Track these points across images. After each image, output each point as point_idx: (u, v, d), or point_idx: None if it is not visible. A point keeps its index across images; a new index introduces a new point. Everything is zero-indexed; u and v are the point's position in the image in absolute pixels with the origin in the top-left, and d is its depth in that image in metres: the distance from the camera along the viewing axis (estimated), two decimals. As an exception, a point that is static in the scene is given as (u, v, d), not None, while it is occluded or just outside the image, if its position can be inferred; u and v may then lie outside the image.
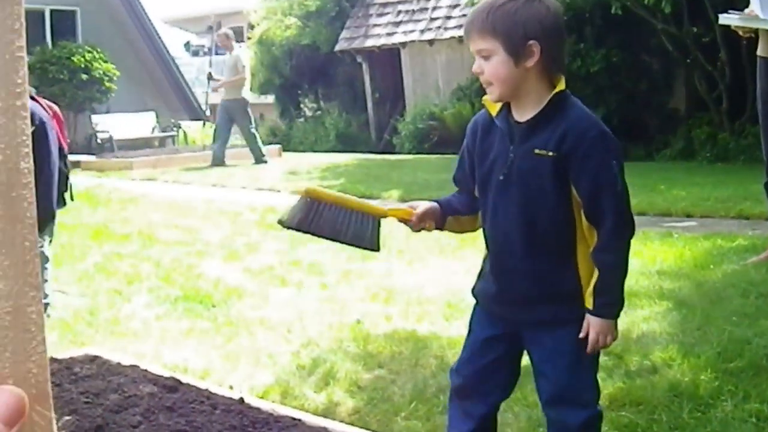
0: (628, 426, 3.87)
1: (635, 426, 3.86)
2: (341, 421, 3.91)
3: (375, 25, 20.20)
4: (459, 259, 7.47)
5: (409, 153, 18.09)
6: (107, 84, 19.68)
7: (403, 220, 2.99)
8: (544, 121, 2.75)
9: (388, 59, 20.00)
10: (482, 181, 2.92)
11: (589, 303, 2.77)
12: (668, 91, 15.89)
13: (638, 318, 5.44)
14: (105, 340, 5.63)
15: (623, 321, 5.36)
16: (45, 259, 6.32)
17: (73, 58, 19.27)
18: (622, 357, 4.72)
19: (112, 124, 19.44)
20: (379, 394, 4.41)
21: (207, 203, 11.66)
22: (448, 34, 18.71)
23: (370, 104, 20.53)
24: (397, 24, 19.81)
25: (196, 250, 8.46)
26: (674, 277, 6.57)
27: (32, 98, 6.12)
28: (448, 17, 18.92)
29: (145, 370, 4.01)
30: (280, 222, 2.94)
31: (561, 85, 2.77)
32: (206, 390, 3.76)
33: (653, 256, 7.22)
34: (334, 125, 21.20)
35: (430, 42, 19.02)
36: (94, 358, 4.20)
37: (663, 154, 14.92)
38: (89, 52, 19.65)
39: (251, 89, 24.54)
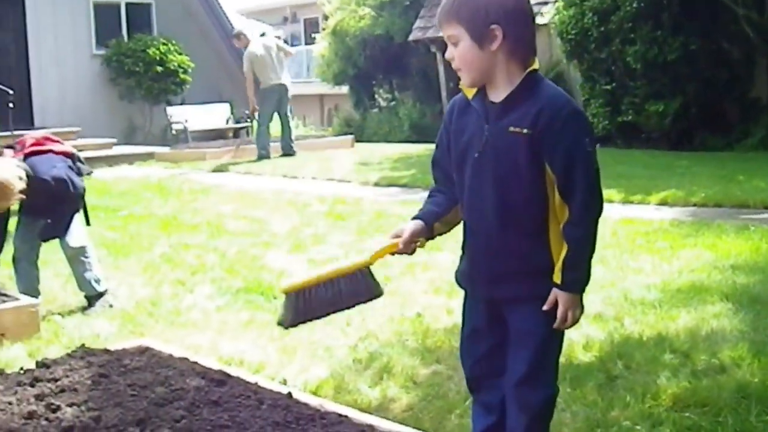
0: (691, 428, 3.70)
1: (699, 428, 3.69)
2: (393, 418, 3.81)
3: (449, 15, 20.01)
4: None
5: (483, 143, 17.89)
6: (182, 76, 19.82)
7: (393, 253, 3.02)
8: (517, 100, 2.82)
9: (463, 49, 19.83)
10: (458, 160, 2.97)
11: (557, 278, 2.81)
12: (749, 80, 15.42)
13: (708, 314, 5.24)
14: (164, 331, 5.61)
15: (692, 317, 5.19)
16: (81, 250, 6.34)
17: (148, 50, 19.44)
18: (689, 355, 4.54)
19: (186, 116, 19.57)
20: (434, 390, 4.29)
21: (277, 194, 11.64)
22: (523, 23, 18.49)
23: (444, 94, 20.35)
24: (472, 13, 19.62)
25: (262, 241, 8.43)
26: (749, 271, 6.33)
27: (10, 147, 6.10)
28: (524, 5, 18.70)
29: (195, 363, 3.95)
30: (279, 324, 3.10)
31: (534, 66, 2.85)
32: (255, 384, 3.69)
33: (727, 250, 6.98)
34: (408, 115, 21.07)
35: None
36: (145, 350, 4.16)
37: (743, 144, 14.48)
38: (164, 44, 19.81)
39: (326, 80, 24.58)
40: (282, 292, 3.06)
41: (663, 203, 9.55)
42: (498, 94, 2.86)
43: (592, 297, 5.78)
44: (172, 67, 19.62)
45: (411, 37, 20.45)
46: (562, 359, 4.56)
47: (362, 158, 15.86)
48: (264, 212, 10.14)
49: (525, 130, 2.78)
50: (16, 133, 16.25)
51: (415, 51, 21.31)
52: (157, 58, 19.44)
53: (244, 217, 9.84)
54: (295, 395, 3.56)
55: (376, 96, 24.62)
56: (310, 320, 3.06)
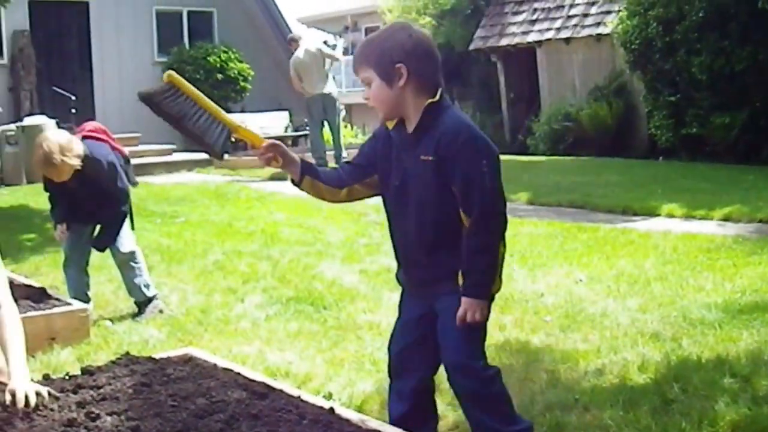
0: (750, 456, 3.54)
1: (758, 456, 3.54)
2: (438, 437, 3.70)
3: (510, 24, 19.85)
4: (583, 267, 7.15)
5: (543, 154, 17.70)
6: (242, 84, 19.89)
7: (253, 145, 3.36)
8: (423, 130, 3.19)
9: (524, 58, 19.63)
10: (383, 186, 3.36)
11: (461, 283, 3.16)
12: (820, 92, 15.05)
13: (771, 336, 5.06)
14: (212, 339, 5.57)
15: (754, 339, 5.00)
16: (131, 255, 6.33)
17: (209, 58, 19.55)
18: (750, 380, 4.36)
19: (246, 123, 19.60)
20: (482, 408, 4.18)
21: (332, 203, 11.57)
22: (585, 33, 18.23)
23: (504, 104, 20.19)
24: (533, 22, 19.42)
25: (315, 250, 8.37)
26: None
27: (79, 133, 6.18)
28: (586, 15, 18.43)
29: (238, 374, 3.87)
30: (138, 94, 3.28)
31: (434, 98, 3.19)
32: (297, 398, 3.60)
33: (792, 268, 6.77)
34: (468, 125, 20.95)
35: (567, 40, 18.57)
36: (189, 359, 4.09)
37: (813, 158, 14.13)
38: (225, 52, 19.90)
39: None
40: (166, 76, 3.31)
41: (726, 219, 9.26)
42: (411, 126, 3.23)
43: (648, 316, 5.63)
44: (233, 75, 19.70)
45: (472, 47, 20.32)
46: (615, 380, 4.47)
47: (420, 168, 15.73)
48: (319, 221, 10.10)
49: (431, 158, 3.16)
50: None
51: (476, 60, 21.18)
52: (218, 65, 19.53)
53: (298, 226, 9.80)
54: (337, 411, 3.46)
55: (465, 115, 24.45)
56: (159, 113, 3.30)
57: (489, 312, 3.27)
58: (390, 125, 3.29)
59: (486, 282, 3.18)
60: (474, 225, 3.11)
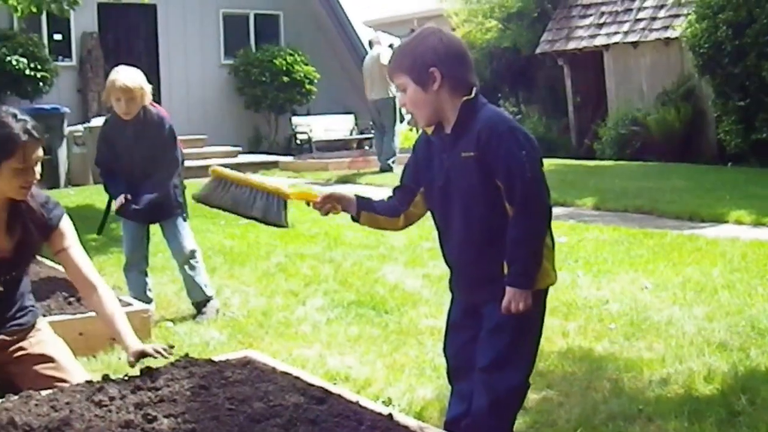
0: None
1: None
2: (498, 445, 3.63)
3: (577, 27, 19.64)
4: (649, 274, 7.03)
5: (610, 159, 17.48)
6: (308, 86, 19.95)
7: (308, 202, 3.42)
8: (462, 127, 3.22)
9: (591, 62, 19.42)
10: (427, 191, 3.39)
11: (506, 273, 3.14)
12: None
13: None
14: (273, 342, 5.56)
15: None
16: (192, 253, 6.35)
17: (275, 60, 19.64)
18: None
19: (311, 126, 19.70)
20: (543, 417, 4.11)
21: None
22: (653, 36, 17.97)
23: (570, 108, 19.99)
24: (600, 26, 19.19)
25: (378, 253, 8.34)
26: None
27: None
28: (654, 18, 18.16)
29: (297, 378, 3.84)
30: (192, 197, 3.53)
31: (470, 95, 3.22)
32: (356, 403, 3.56)
33: None
34: (534, 129, 20.71)
35: (635, 44, 18.32)
36: (248, 362, 4.07)
37: None
38: (291, 55, 19.98)
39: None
40: (211, 173, 3.51)
41: (797, 226, 9.07)
42: (449, 127, 3.26)
43: (715, 324, 5.51)
44: (298, 78, 19.77)
45: (538, 50, 20.16)
46: (680, 390, 4.37)
47: (485, 172, 15.64)
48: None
49: (472, 153, 3.16)
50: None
51: (542, 64, 21.01)
52: (284, 68, 19.62)
53: (361, 229, 9.73)
54: (396, 417, 3.41)
55: (502, 109, 24.33)
56: (217, 207, 3.51)
57: (541, 309, 3.29)
58: (429, 131, 3.34)
59: (529, 272, 3.14)
60: (516, 214, 3.11)
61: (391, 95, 14.95)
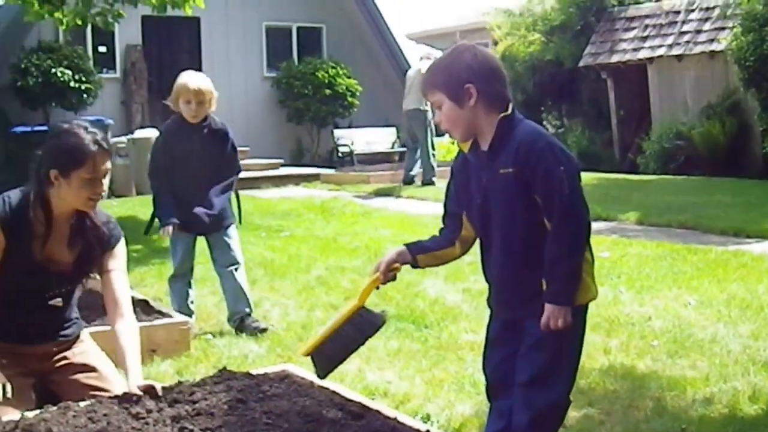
0: None
1: None
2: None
3: (621, 40, 19.52)
4: (692, 290, 6.93)
5: (653, 173, 17.33)
6: (350, 99, 19.97)
7: (378, 287, 3.55)
8: (500, 144, 3.21)
9: (634, 75, 19.28)
10: (468, 210, 3.39)
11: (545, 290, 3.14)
12: None
13: None
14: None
15: None
16: (237, 266, 6.29)
17: (317, 73, 19.69)
18: None
19: (353, 139, 19.73)
20: (584, 435, 4.05)
21: (437, 220, 11.42)
22: (697, 49, 17.82)
23: (614, 122, 19.85)
24: (644, 39, 19.06)
25: (419, 267, 8.28)
26: None
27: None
28: (698, 31, 18.01)
29: (335, 393, 3.82)
30: (318, 377, 3.63)
31: (506, 112, 3.23)
32: (394, 419, 3.53)
33: None
34: (577, 143, 20.64)
35: (679, 57, 18.17)
36: (286, 376, 4.06)
37: None
38: (333, 67, 20.02)
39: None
40: (303, 356, 3.61)
41: None
42: (486, 144, 3.26)
43: (761, 343, 5.42)
44: (341, 90, 19.81)
45: (581, 63, 20.05)
46: (724, 410, 4.29)
47: (527, 185, 15.55)
48: (424, 238, 10.01)
49: (510, 169, 3.16)
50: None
51: (585, 77, 20.89)
52: (326, 81, 19.66)
53: (402, 242, 9.71)
54: (433, 433, 3.38)
55: (545, 122, 24.23)
56: (337, 364, 3.56)
57: (582, 324, 3.26)
58: (465, 148, 3.34)
59: (567, 289, 3.12)
60: (555, 230, 3.10)
61: (423, 108, 14.89)
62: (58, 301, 3.95)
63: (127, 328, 3.84)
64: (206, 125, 6.12)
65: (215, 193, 6.13)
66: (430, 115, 15.10)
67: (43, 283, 3.84)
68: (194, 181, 6.10)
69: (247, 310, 6.24)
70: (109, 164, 3.77)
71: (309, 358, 3.55)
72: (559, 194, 3.08)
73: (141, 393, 3.53)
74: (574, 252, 3.13)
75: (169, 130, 6.30)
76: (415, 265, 3.54)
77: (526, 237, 3.20)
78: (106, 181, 3.77)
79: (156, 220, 6.35)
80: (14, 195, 3.82)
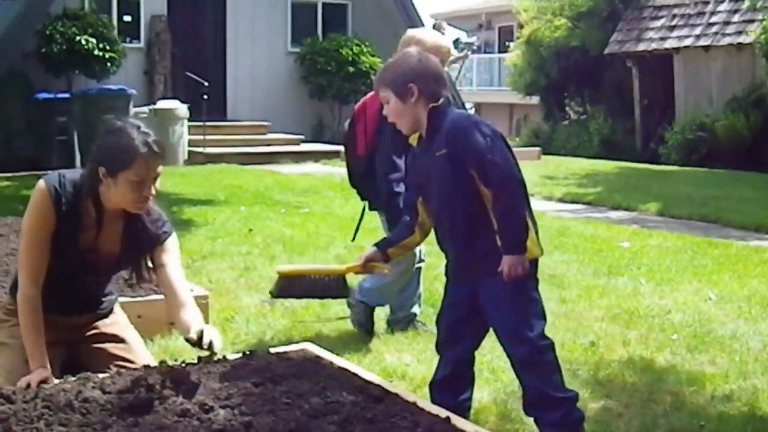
0: None
1: None
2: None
3: (648, 29, 19.41)
4: (713, 284, 6.89)
5: (675, 164, 17.26)
6: (373, 77, 19.90)
7: (359, 273, 4.07)
8: (434, 130, 3.74)
9: (660, 65, 19.18)
10: (423, 195, 3.83)
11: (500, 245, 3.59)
12: None
13: None
14: (330, 335, 5.54)
15: None
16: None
17: (341, 50, 19.60)
18: None
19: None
20: (602, 427, 4.04)
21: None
22: (725, 41, 17.69)
23: (637, 111, 19.77)
24: (672, 28, 18.93)
25: (436, 250, 8.16)
26: None
27: None
28: (727, 23, 17.87)
29: (355, 375, 3.80)
30: (270, 293, 4.17)
31: (437, 102, 3.74)
32: (413, 404, 3.50)
33: None
34: (599, 130, 20.57)
35: (706, 48, 18.06)
36: (306, 356, 4.04)
37: None
38: (357, 45, 19.93)
39: (517, 89, 24.31)
40: (276, 273, 4.07)
41: None
42: (425, 133, 3.77)
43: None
44: (364, 68, 19.72)
45: (607, 50, 19.96)
46: (744, 408, 4.28)
47: (548, 171, 15.54)
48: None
49: (444, 150, 3.64)
50: (208, 123, 16.72)
51: (611, 64, 20.80)
52: (350, 58, 19.58)
53: (421, 224, 9.71)
54: (453, 420, 3.36)
55: (567, 108, 24.17)
56: (289, 297, 4.36)
57: (534, 280, 3.69)
58: (414, 141, 3.86)
59: (518, 239, 3.58)
60: (495, 194, 3.55)
61: None
62: (93, 286, 3.95)
63: (191, 313, 3.82)
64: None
65: None
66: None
67: (82, 271, 3.82)
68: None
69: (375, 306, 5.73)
70: (160, 168, 3.65)
71: (278, 278, 4.02)
72: (490, 162, 3.54)
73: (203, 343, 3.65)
74: (518, 206, 3.59)
75: None
76: (387, 259, 3.98)
77: (469, 208, 3.65)
78: (156, 184, 3.67)
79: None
80: (70, 177, 3.72)
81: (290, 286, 4.07)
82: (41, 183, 3.70)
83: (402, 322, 5.65)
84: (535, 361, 3.68)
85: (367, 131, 5.40)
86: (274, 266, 4.35)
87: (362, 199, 5.74)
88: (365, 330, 5.53)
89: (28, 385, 3.38)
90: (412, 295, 5.71)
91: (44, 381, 3.44)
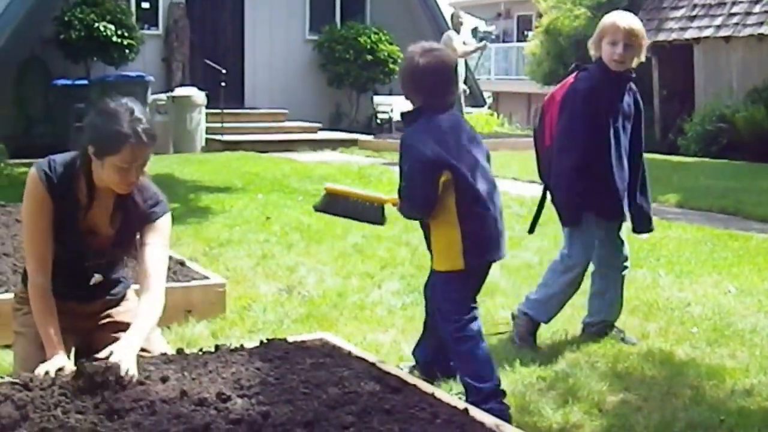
0: None
1: None
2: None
3: (668, 19, 19.28)
4: (733, 277, 6.84)
5: (694, 155, 17.16)
6: (391, 66, 19.83)
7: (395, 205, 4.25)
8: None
9: (680, 55, 19.05)
10: None
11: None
12: None
13: None
14: (347, 324, 5.52)
15: None
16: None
17: (359, 38, 19.55)
18: None
19: (392, 106, 19.62)
20: (621, 420, 4.00)
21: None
22: (746, 32, 17.55)
23: (656, 101, 19.65)
24: (692, 18, 18.80)
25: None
26: None
27: None
28: (749, 13, 17.73)
29: (373, 365, 3.79)
30: (313, 207, 4.70)
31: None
32: (431, 395, 3.49)
33: None
34: (617, 121, 20.46)
35: (726, 39, 17.93)
36: (324, 345, 4.03)
37: None
38: (376, 33, 19.88)
39: (535, 79, 24.21)
40: (324, 189, 4.51)
41: None
42: None
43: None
44: (382, 57, 19.68)
45: (626, 41, 19.83)
46: (764, 403, 4.25)
47: (565, 162, 15.43)
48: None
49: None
50: (225, 111, 16.71)
51: (630, 55, 20.68)
52: (368, 46, 19.53)
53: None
54: (472, 412, 3.34)
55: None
56: (330, 214, 4.60)
57: (449, 291, 4.24)
58: None
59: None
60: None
61: None
62: (98, 275, 3.91)
63: (149, 300, 3.65)
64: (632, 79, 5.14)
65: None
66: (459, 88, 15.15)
67: (83, 253, 3.81)
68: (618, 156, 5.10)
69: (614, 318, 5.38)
70: (147, 154, 3.60)
71: (324, 194, 4.49)
72: (403, 189, 4.07)
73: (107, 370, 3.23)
74: (407, 216, 4.24)
75: (585, 80, 5.06)
76: None
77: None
78: (144, 168, 3.63)
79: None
80: (60, 159, 3.72)
81: (333, 204, 4.46)
82: (32, 170, 3.69)
83: (596, 326, 5.28)
84: (452, 348, 4.19)
85: (552, 123, 5.05)
86: (324, 188, 4.58)
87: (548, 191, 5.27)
88: (528, 345, 5.06)
89: (47, 373, 3.37)
90: (613, 301, 5.29)
91: (62, 368, 3.43)
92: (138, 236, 3.81)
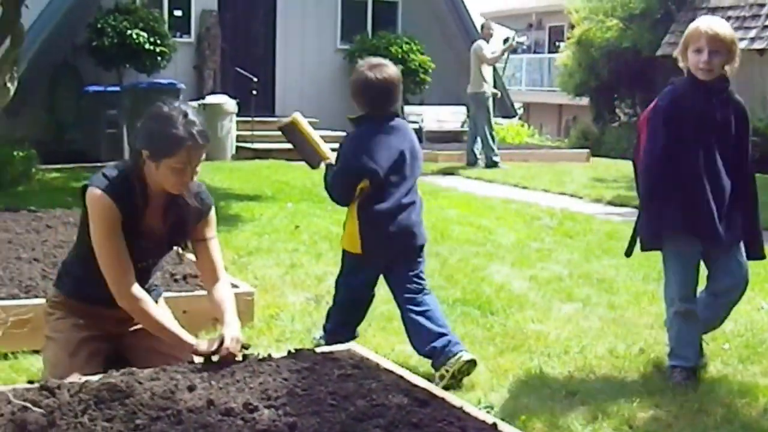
0: None
1: None
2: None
3: (702, 31, 19.15)
4: (766, 293, 6.76)
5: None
6: (422, 76, 19.82)
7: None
8: None
9: (713, 68, 18.92)
10: None
11: None
12: None
13: None
14: (375, 335, 5.49)
15: None
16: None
17: (391, 48, 19.52)
18: None
19: (423, 116, 19.60)
20: (652, 438, 3.95)
21: (505, 203, 11.38)
22: (781, 45, 17.43)
23: (688, 114, 19.53)
24: (726, 31, 18.67)
25: (485, 251, 8.21)
26: None
27: None
28: (783, 26, 17.62)
29: (401, 377, 3.76)
30: (277, 126, 5.42)
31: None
32: (460, 408, 3.46)
33: None
34: (649, 133, 20.34)
35: (760, 51, 17.78)
36: (353, 356, 4.00)
37: None
38: (407, 43, 19.86)
39: (567, 90, 24.12)
40: (293, 117, 5.14)
41: None
42: None
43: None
44: (413, 67, 19.65)
45: (659, 52, 19.71)
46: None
47: (597, 174, 15.39)
48: (490, 221, 9.92)
49: None
50: (256, 119, 16.75)
51: (663, 66, 20.52)
52: (399, 56, 19.49)
53: (469, 224, 9.65)
54: (500, 426, 3.30)
55: (617, 110, 23.96)
56: (286, 139, 5.22)
57: (353, 271, 5.14)
58: None
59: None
60: None
61: (482, 90, 15.29)
62: (146, 271, 3.97)
63: (226, 290, 4.00)
64: (726, 89, 4.80)
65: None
66: (489, 97, 15.23)
67: (139, 253, 3.84)
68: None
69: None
70: (203, 155, 3.73)
71: (291, 121, 5.12)
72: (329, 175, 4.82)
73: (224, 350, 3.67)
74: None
75: (678, 92, 4.78)
76: None
77: None
78: (198, 169, 3.75)
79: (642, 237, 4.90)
80: (111, 171, 3.78)
81: (292, 133, 5.11)
82: (93, 191, 3.71)
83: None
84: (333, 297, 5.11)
85: (643, 143, 4.76)
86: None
87: None
88: (692, 382, 4.67)
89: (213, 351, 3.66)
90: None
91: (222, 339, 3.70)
92: (192, 231, 3.95)
